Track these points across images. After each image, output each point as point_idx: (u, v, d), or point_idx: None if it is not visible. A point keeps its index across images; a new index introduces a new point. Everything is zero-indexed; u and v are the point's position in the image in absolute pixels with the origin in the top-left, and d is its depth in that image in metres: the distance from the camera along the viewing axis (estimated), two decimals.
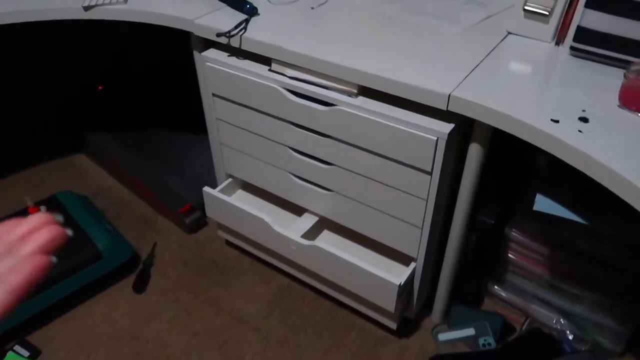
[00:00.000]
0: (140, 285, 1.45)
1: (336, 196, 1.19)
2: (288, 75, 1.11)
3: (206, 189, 1.38)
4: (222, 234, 1.52)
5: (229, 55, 1.20)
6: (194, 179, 1.72)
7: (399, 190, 1.06)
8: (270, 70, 1.13)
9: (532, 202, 1.05)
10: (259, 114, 1.19)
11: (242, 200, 1.42)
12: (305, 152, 1.18)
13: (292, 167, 1.23)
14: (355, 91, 1.03)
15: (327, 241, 1.26)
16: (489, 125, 0.91)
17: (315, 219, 1.30)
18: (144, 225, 1.68)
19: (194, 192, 1.66)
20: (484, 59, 1.01)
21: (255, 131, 1.24)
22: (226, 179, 1.45)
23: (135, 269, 1.51)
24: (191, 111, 1.66)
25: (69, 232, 0.44)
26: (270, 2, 1.24)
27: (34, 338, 1.33)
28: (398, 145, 0.99)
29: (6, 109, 2.04)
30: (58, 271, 1.34)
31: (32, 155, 2.00)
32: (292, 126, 1.15)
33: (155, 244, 1.60)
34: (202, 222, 1.64)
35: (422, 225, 1.08)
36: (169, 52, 2.13)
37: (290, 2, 1.24)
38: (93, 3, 1.22)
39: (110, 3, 1.22)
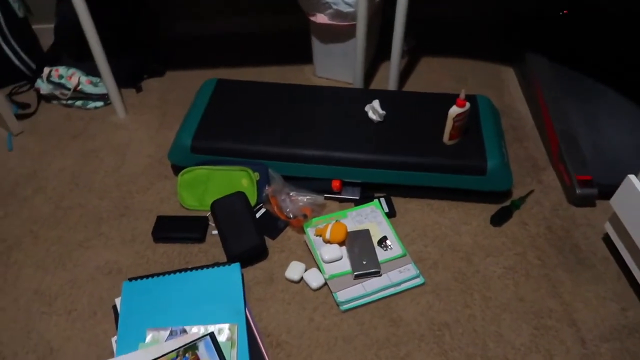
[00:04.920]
0: (498, 220, 1.43)
1: None
2: None
3: (631, 176, 1.18)
4: (608, 227, 1.33)
5: None
6: (611, 155, 1.51)
7: None
8: None
9: None
10: None
11: None
12: None
13: None
14: None
15: None
16: None
17: None
18: (530, 167, 1.60)
19: (601, 168, 1.47)
20: None
21: None
22: None
23: (500, 202, 1.49)
24: None
25: None
26: None
27: (396, 201, 1.49)
28: None
29: None
30: (449, 162, 1.41)
31: (472, 49, 2.09)
32: None
33: (531, 192, 1.52)
34: (591, 200, 1.46)
35: None
36: None
37: None
38: None
39: None
